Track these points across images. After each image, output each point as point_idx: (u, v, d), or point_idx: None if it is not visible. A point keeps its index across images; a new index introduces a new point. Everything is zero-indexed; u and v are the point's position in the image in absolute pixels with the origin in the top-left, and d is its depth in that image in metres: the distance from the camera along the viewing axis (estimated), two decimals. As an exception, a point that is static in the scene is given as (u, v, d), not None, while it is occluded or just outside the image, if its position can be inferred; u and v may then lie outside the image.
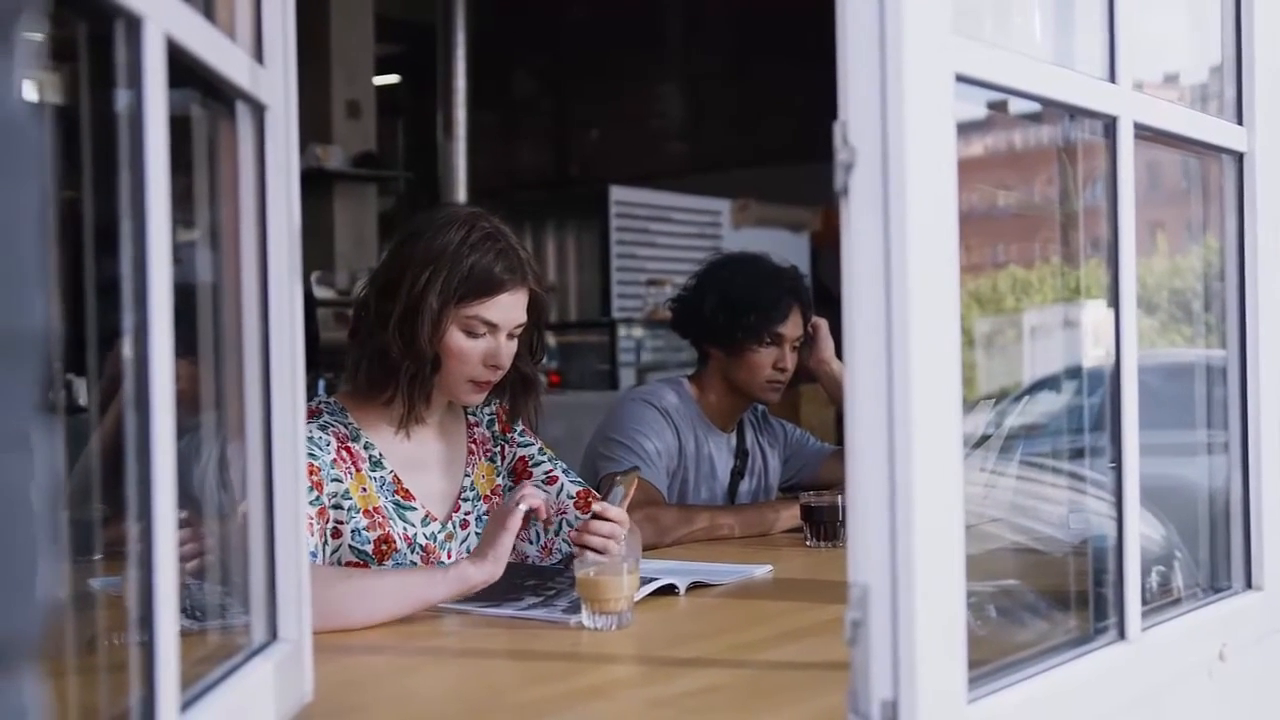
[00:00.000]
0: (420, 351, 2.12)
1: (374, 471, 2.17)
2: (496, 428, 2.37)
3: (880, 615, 1.15)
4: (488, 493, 2.32)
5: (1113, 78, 1.49)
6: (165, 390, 1.00)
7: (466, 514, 2.28)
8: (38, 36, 0.62)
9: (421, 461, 2.24)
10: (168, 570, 1.00)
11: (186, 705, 1.07)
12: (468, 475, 2.30)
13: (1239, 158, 1.78)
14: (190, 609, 1.28)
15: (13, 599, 0.56)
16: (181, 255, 1.10)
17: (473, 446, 2.33)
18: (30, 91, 0.61)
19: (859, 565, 1.16)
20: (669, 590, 2.08)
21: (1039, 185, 2.00)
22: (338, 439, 2.14)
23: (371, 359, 2.16)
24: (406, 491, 2.19)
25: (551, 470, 2.35)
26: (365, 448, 2.18)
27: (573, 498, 2.31)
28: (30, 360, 0.57)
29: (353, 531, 2.11)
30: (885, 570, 1.15)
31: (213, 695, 1.15)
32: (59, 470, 0.63)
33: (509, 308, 2.17)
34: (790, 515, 2.80)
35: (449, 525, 2.24)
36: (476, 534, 2.26)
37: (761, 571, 2.32)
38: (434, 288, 2.11)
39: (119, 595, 1.44)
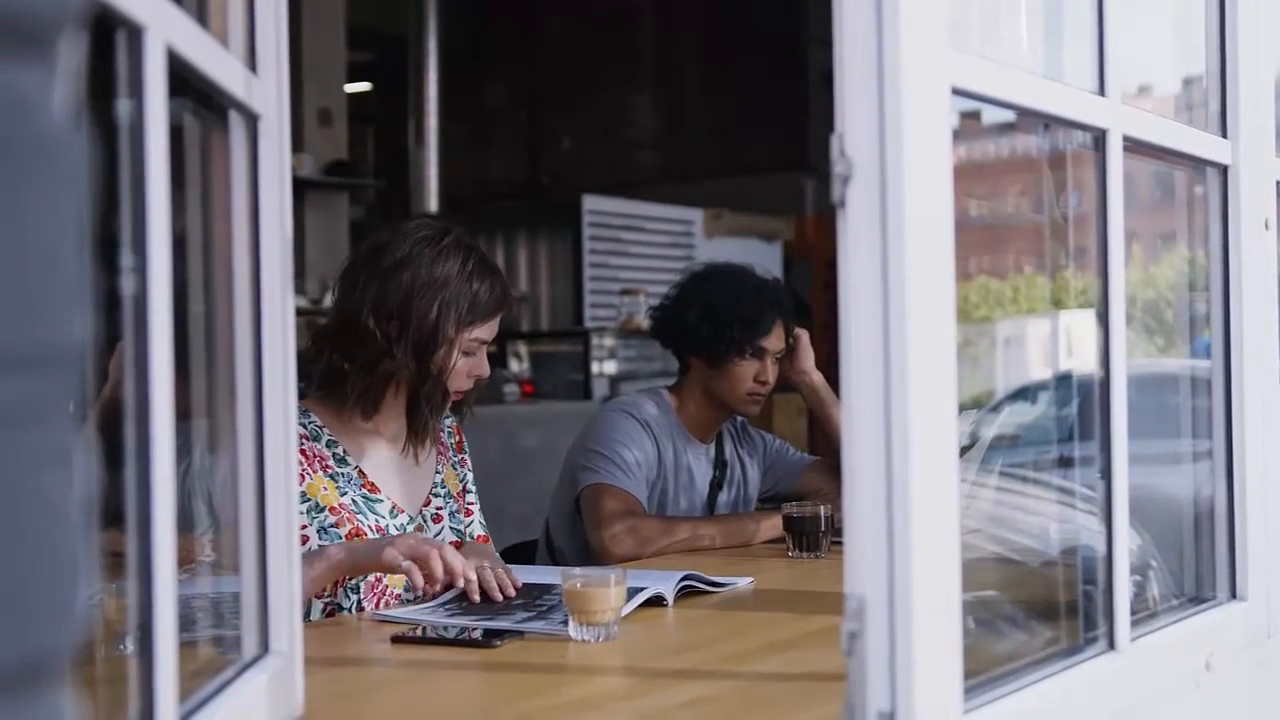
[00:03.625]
0: (440, 376, 2.23)
1: (339, 469, 2.23)
2: (454, 440, 2.48)
3: (877, 627, 1.15)
4: (457, 492, 2.42)
5: (1102, 90, 1.50)
6: (164, 399, 0.99)
7: (439, 509, 2.37)
8: (79, 52, 0.61)
9: (390, 459, 2.31)
10: (167, 583, 0.99)
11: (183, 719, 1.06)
12: (438, 473, 2.39)
13: (1223, 170, 1.80)
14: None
15: (56, 613, 0.55)
16: (173, 264, 1.09)
17: (440, 448, 2.42)
18: (71, 105, 0.61)
19: (856, 577, 1.16)
20: (656, 602, 2.07)
21: (1012, 196, 2.01)
22: None
23: (380, 382, 2.23)
24: (373, 485, 2.26)
25: (473, 504, 2.47)
26: (328, 445, 2.24)
27: (472, 539, 2.40)
28: (71, 374, 0.57)
29: (319, 530, 2.16)
30: (882, 582, 1.16)
31: (208, 709, 1.14)
32: (94, 484, 0.63)
33: (497, 325, 2.32)
34: (771, 526, 2.80)
35: (419, 519, 2.33)
36: (451, 528, 2.37)
37: (744, 583, 2.32)
38: (448, 318, 2.22)
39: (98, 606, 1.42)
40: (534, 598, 2.10)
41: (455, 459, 2.45)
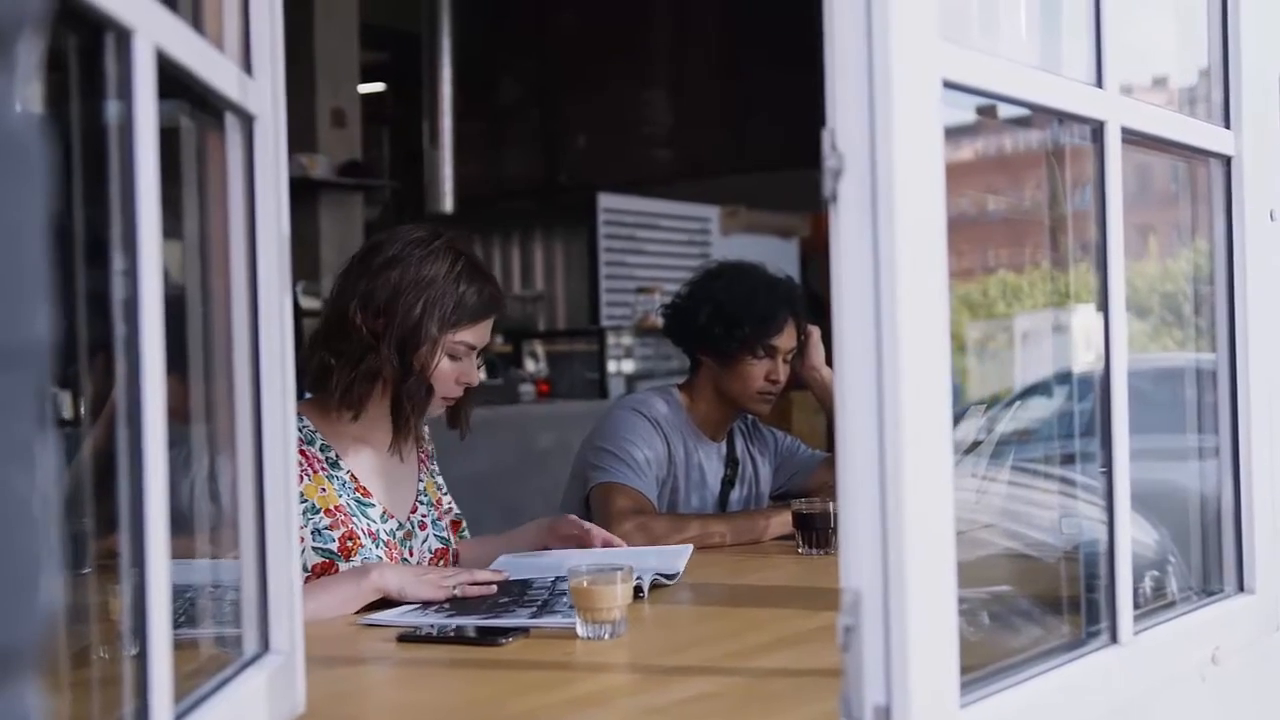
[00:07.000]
0: (422, 375, 2.25)
1: (334, 471, 2.27)
2: (431, 448, 2.51)
3: (873, 620, 1.15)
4: (437, 500, 2.46)
5: (1100, 82, 1.50)
6: (156, 402, 1.00)
7: (423, 516, 2.40)
8: (39, 49, 0.62)
9: (378, 466, 2.35)
10: (160, 583, 1.00)
11: (179, 717, 1.07)
12: (421, 481, 2.43)
13: (1227, 161, 1.79)
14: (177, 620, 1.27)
15: (16, 608, 0.56)
16: (169, 267, 1.10)
17: (423, 457, 2.47)
18: (32, 104, 0.61)
19: (851, 571, 1.16)
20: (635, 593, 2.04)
21: (1028, 190, 2.01)
22: None
23: (364, 378, 2.25)
24: (364, 489, 2.30)
25: (441, 517, 2.46)
26: (321, 450, 2.28)
27: (431, 553, 2.40)
28: (33, 371, 0.58)
29: (314, 532, 2.20)
30: (877, 575, 1.15)
31: (205, 707, 1.15)
32: (59, 481, 0.63)
33: (487, 331, 2.34)
34: (781, 522, 2.80)
35: (407, 524, 2.36)
36: (435, 535, 2.40)
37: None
38: (432, 316, 2.24)
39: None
40: (523, 591, 2.11)
41: (432, 467, 2.50)
